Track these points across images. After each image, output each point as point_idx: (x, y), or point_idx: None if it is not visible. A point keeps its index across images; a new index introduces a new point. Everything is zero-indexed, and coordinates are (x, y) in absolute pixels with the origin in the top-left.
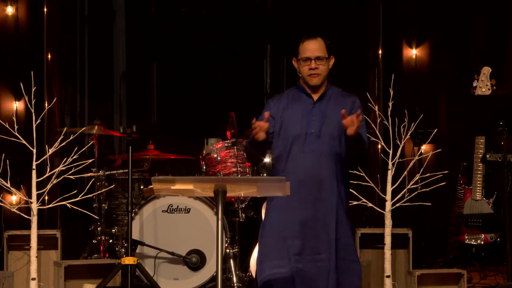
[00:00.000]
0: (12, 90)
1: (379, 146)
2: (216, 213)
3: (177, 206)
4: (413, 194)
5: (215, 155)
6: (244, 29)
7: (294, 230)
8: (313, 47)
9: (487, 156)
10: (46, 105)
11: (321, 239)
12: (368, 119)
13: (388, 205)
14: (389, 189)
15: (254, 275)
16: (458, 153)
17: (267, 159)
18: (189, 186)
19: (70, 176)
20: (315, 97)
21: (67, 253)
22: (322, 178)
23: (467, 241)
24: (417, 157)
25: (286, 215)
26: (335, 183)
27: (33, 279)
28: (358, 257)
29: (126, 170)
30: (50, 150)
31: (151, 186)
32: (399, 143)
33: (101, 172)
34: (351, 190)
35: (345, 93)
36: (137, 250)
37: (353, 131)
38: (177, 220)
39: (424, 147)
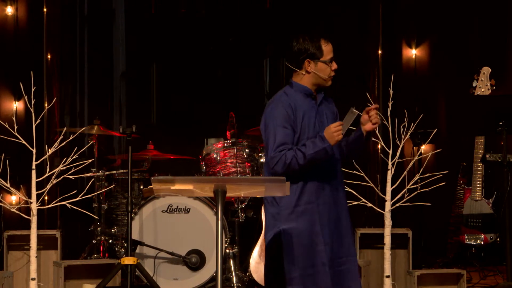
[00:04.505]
0: (11, 90)
1: (379, 146)
2: (216, 213)
3: (177, 206)
4: (412, 194)
5: (215, 155)
6: (243, 29)
7: (324, 234)
8: (332, 48)
9: (487, 156)
10: (46, 105)
11: (344, 241)
12: None
13: (388, 205)
14: (388, 189)
15: (253, 275)
16: (457, 153)
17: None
18: (189, 186)
19: (70, 176)
20: (318, 98)
21: (67, 253)
22: (337, 180)
23: (466, 241)
24: (416, 157)
25: (313, 220)
26: (343, 184)
27: (33, 279)
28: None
29: (126, 170)
30: (49, 150)
31: (151, 186)
32: (398, 143)
33: (100, 172)
34: (350, 190)
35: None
36: (137, 250)
37: (374, 126)
38: (177, 220)
39: (423, 147)
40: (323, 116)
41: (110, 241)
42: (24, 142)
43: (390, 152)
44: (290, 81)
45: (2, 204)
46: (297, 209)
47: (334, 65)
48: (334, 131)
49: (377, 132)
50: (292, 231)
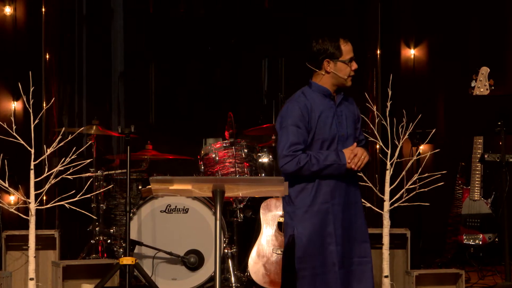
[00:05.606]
0: (10, 90)
1: (378, 146)
2: (214, 213)
3: (175, 206)
4: (411, 194)
5: (213, 155)
6: (242, 29)
7: (337, 235)
8: (352, 48)
9: (485, 156)
10: (44, 105)
11: (360, 242)
12: (366, 119)
13: (386, 205)
14: (387, 189)
15: (252, 275)
16: (456, 153)
17: (265, 159)
18: (187, 186)
19: (68, 176)
20: (337, 99)
21: (65, 253)
22: (352, 181)
23: (465, 241)
24: (415, 157)
25: (327, 220)
26: (358, 186)
27: (31, 279)
28: None
29: (124, 170)
30: (48, 150)
31: (149, 186)
32: (397, 143)
33: (99, 172)
34: None
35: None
36: (135, 250)
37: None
38: (175, 220)
39: (422, 147)
40: (342, 117)
41: (109, 241)
42: (22, 142)
43: (389, 152)
44: (309, 82)
45: (0, 204)
46: (311, 209)
47: (354, 65)
48: (352, 157)
49: (375, 132)
50: (305, 231)
